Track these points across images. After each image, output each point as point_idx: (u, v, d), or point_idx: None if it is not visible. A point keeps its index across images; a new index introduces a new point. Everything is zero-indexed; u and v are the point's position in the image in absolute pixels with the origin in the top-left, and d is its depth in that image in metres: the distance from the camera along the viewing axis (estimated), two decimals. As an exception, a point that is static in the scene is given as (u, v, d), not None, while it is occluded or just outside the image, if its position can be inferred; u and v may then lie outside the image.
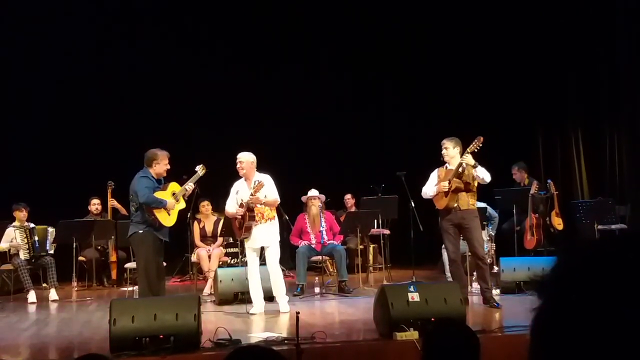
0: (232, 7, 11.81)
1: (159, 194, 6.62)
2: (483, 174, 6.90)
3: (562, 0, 11.19)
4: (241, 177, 7.16)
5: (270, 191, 7.01)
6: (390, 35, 12.08)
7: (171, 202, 6.65)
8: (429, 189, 7.20)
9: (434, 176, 7.26)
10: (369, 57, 12.14)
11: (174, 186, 6.80)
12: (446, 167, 7.17)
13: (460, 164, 6.88)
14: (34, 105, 11.20)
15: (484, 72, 11.73)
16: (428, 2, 11.85)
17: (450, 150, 7.06)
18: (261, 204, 6.93)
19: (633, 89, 10.33)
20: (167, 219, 6.66)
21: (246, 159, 7.07)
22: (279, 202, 7.25)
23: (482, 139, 6.87)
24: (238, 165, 7.06)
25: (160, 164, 6.74)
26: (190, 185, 6.87)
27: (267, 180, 7.02)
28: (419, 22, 11.91)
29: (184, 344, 5.03)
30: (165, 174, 6.83)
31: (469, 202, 7.01)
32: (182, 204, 6.88)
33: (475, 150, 6.89)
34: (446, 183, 6.94)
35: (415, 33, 11.95)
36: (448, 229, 7.06)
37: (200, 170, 6.94)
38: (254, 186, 6.85)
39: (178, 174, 7.02)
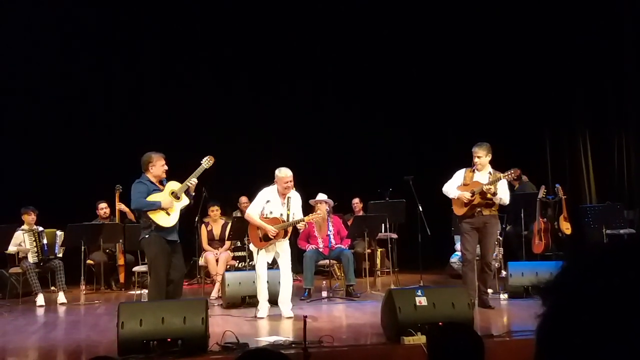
0: (238, 12, 11.84)
1: (156, 196, 6.49)
2: (503, 197, 7.01)
3: (569, 7, 11.17)
4: (272, 185, 7.17)
5: (298, 210, 7.17)
6: (397, 43, 12.08)
7: (166, 201, 6.47)
8: (452, 190, 7.16)
9: (459, 176, 7.21)
10: (376, 63, 12.15)
11: (172, 185, 6.64)
12: (474, 171, 7.15)
13: (489, 189, 6.88)
14: (42, 109, 11.25)
15: (491, 78, 11.71)
16: (435, 10, 11.85)
17: (483, 159, 7.06)
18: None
19: (641, 93, 10.31)
20: (166, 219, 6.47)
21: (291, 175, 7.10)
22: None
23: (519, 172, 7.25)
24: (288, 185, 7.03)
25: (157, 166, 6.62)
26: (193, 180, 6.63)
27: (298, 200, 7.22)
28: (427, 30, 11.90)
29: (192, 347, 5.05)
30: (164, 175, 6.67)
31: (491, 208, 7.05)
32: (184, 201, 6.64)
33: (508, 180, 7.16)
34: (469, 195, 6.94)
35: (423, 40, 11.95)
36: (469, 232, 7.06)
37: (205, 162, 6.68)
38: (286, 202, 7.06)
39: (185, 178, 6.99)
